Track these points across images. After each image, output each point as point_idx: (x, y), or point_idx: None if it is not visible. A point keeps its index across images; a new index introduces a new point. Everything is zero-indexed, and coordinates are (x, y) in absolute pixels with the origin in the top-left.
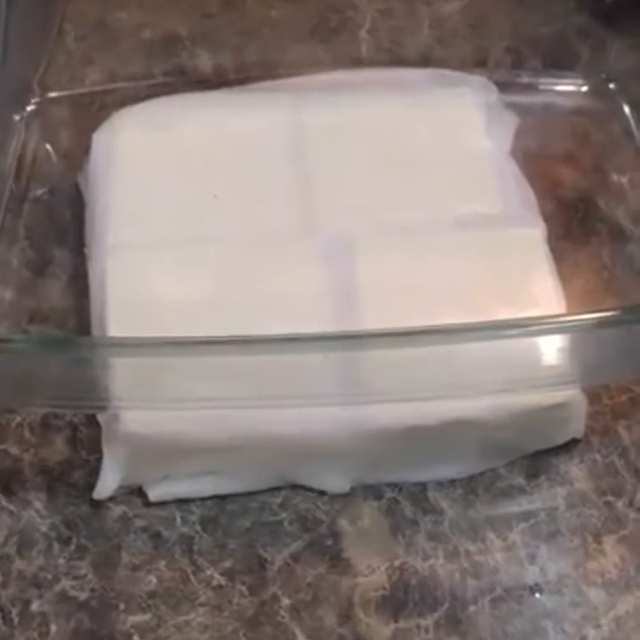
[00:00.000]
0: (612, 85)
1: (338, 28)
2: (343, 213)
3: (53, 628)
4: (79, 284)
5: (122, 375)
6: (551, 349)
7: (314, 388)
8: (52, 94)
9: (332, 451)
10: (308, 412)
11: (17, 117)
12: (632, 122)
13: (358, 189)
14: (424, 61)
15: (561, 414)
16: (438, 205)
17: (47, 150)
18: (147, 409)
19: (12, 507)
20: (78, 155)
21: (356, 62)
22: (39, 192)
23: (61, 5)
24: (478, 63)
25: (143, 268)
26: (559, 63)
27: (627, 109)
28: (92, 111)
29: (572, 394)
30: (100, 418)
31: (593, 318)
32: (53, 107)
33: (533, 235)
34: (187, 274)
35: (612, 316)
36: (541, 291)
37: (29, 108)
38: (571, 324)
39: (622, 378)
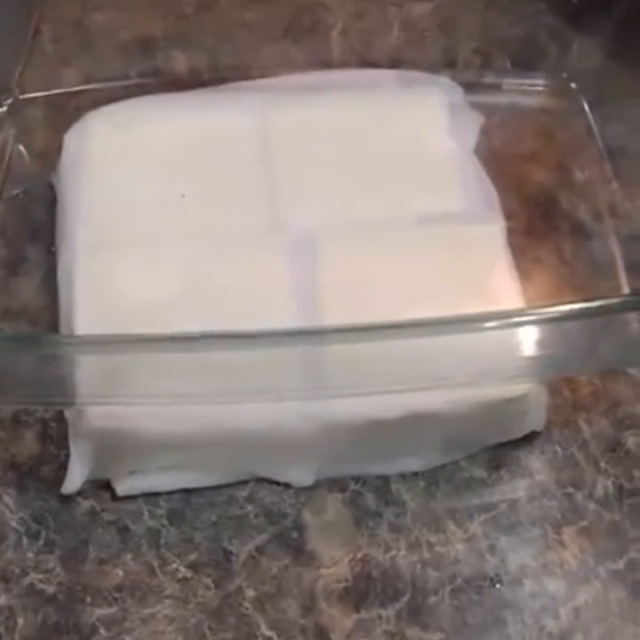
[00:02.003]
0: (573, 85)
1: (310, 29)
2: (308, 212)
3: (20, 621)
4: (52, 282)
5: (87, 372)
6: (510, 343)
7: (276, 383)
8: (28, 95)
9: (295, 444)
10: (271, 406)
11: None
12: (593, 121)
13: (324, 188)
14: (394, 62)
15: (521, 407)
16: (401, 203)
17: (22, 150)
18: (112, 405)
19: None
20: (53, 155)
21: (328, 63)
22: (14, 191)
23: (38, 6)
24: (447, 64)
25: (111, 266)
26: (527, 63)
27: (587, 109)
28: (68, 112)
29: (531, 387)
30: (67, 413)
31: (551, 312)
32: (29, 107)
33: (493, 231)
34: (154, 272)
35: (570, 310)
36: (500, 286)
37: (4, 109)
38: (528, 318)
39: (582, 372)
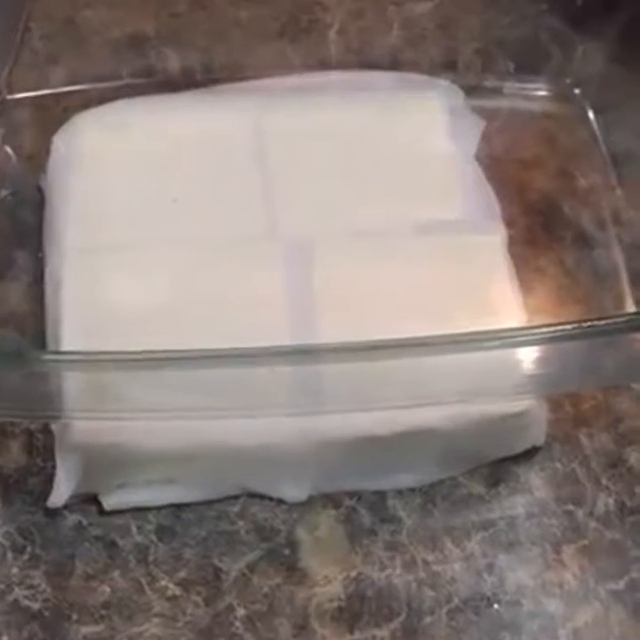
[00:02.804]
0: (577, 90)
1: (307, 28)
2: (304, 217)
3: (5, 638)
4: (40, 287)
5: (74, 386)
6: (511, 361)
7: (269, 399)
8: (16, 95)
9: (288, 460)
10: (263, 422)
11: None
12: (596, 127)
13: (320, 193)
14: (393, 63)
15: (520, 423)
16: (398, 210)
17: (10, 152)
18: (99, 419)
19: None
20: (41, 157)
21: (326, 63)
22: (1, 194)
23: (28, 3)
24: (448, 65)
25: (99, 271)
26: (529, 66)
27: (591, 114)
28: (57, 113)
29: (531, 402)
30: (54, 427)
31: (553, 331)
32: (17, 108)
33: (493, 241)
34: (144, 278)
35: (573, 330)
36: (500, 297)
37: None
38: (529, 337)
39: (583, 388)
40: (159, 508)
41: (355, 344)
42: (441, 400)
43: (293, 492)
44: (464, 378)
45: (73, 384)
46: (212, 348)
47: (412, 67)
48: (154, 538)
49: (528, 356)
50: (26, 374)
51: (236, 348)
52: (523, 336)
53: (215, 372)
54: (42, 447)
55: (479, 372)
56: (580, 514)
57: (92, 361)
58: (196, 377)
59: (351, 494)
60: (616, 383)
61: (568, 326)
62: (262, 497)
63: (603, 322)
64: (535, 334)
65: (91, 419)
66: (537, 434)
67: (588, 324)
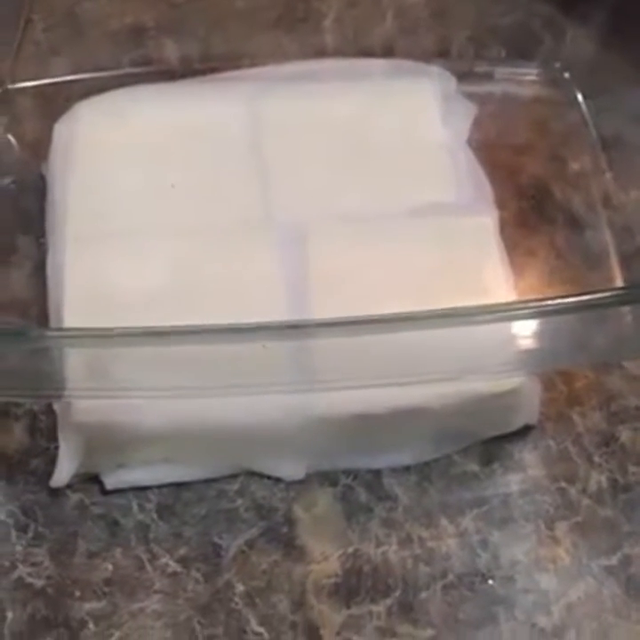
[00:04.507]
0: (567, 75)
1: (303, 17)
2: (299, 203)
3: (9, 614)
4: (43, 273)
5: (76, 365)
6: (502, 337)
7: (264, 376)
8: (19, 85)
9: (284, 438)
10: (259, 400)
11: None
12: (586, 111)
13: (314, 179)
14: (388, 51)
15: (513, 401)
16: (392, 195)
17: (12, 140)
18: (101, 398)
19: None
20: (43, 145)
21: (321, 52)
22: (4, 182)
23: None
24: (441, 53)
25: (100, 257)
26: (520, 51)
27: (581, 99)
28: (58, 102)
29: (524, 380)
30: (56, 406)
31: (543, 306)
32: (19, 97)
33: (485, 223)
34: (144, 263)
35: (563, 304)
36: (491, 278)
37: None
38: (520, 311)
39: (575, 365)
40: (159, 487)
41: (345, 319)
42: (432, 377)
43: (290, 470)
44: (455, 354)
45: (74, 362)
46: (210, 324)
47: (406, 54)
48: (154, 516)
49: (518, 332)
50: (28, 352)
51: (230, 324)
52: (513, 310)
53: (212, 349)
54: (45, 428)
55: (470, 349)
56: (573, 491)
57: (91, 337)
58: (193, 353)
59: (347, 473)
60: (606, 360)
61: (558, 300)
62: (260, 476)
63: (593, 295)
64: (525, 308)
65: (92, 397)
66: (530, 412)
67: (578, 298)
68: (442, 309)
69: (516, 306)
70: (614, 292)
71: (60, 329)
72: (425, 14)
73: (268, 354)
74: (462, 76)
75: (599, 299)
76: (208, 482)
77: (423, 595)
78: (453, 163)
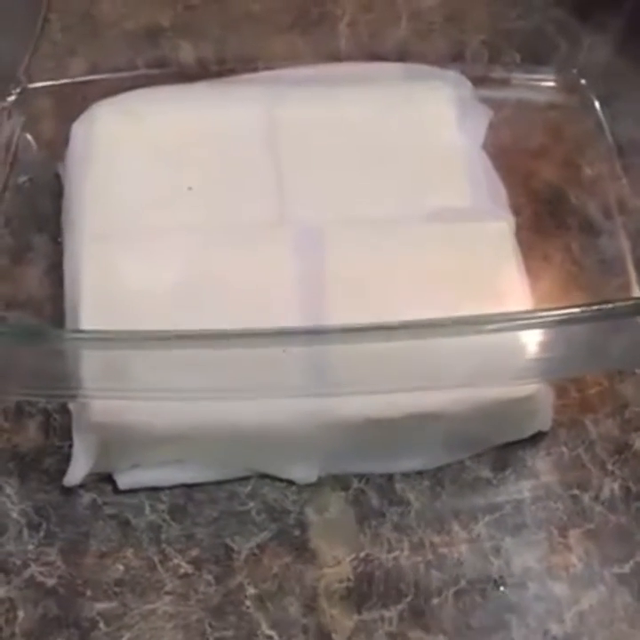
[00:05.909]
0: (583, 81)
1: (318, 21)
2: (315, 206)
3: (21, 614)
4: (57, 272)
5: (91, 366)
6: (517, 345)
7: (279, 380)
8: (36, 84)
9: (297, 441)
10: (273, 403)
11: None
12: (602, 117)
13: (330, 182)
14: (402, 55)
15: (527, 407)
16: (408, 199)
17: (30, 140)
18: (116, 399)
19: None
20: (60, 144)
21: (336, 55)
22: (20, 180)
23: None
24: (456, 57)
25: (117, 257)
26: (536, 57)
27: (597, 105)
28: (75, 102)
29: (537, 387)
30: (71, 406)
31: (559, 315)
32: (36, 97)
33: (501, 228)
34: (160, 264)
35: (578, 313)
36: (508, 284)
37: (12, 98)
38: (535, 320)
39: (588, 372)
40: (172, 488)
41: (362, 325)
42: (448, 384)
43: (303, 473)
44: (471, 361)
45: (90, 363)
46: (227, 329)
47: (421, 58)
48: (166, 517)
49: (534, 340)
50: (44, 352)
51: (248, 329)
52: (529, 319)
53: (227, 352)
54: (58, 427)
55: (486, 356)
56: (586, 498)
57: (108, 339)
58: (209, 356)
59: (360, 477)
60: (621, 368)
61: (574, 310)
62: (273, 478)
63: (608, 305)
64: (541, 317)
65: (107, 398)
66: (543, 419)
67: (594, 307)
68: (458, 317)
69: (531, 314)
70: (630, 302)
71: (79, 330)
72: (439, 18)
73: (285, 358)
74: (478, 81)
75: (615, 308)
76: (220, 483)
77: (435, 601)
78: (469, 167)
